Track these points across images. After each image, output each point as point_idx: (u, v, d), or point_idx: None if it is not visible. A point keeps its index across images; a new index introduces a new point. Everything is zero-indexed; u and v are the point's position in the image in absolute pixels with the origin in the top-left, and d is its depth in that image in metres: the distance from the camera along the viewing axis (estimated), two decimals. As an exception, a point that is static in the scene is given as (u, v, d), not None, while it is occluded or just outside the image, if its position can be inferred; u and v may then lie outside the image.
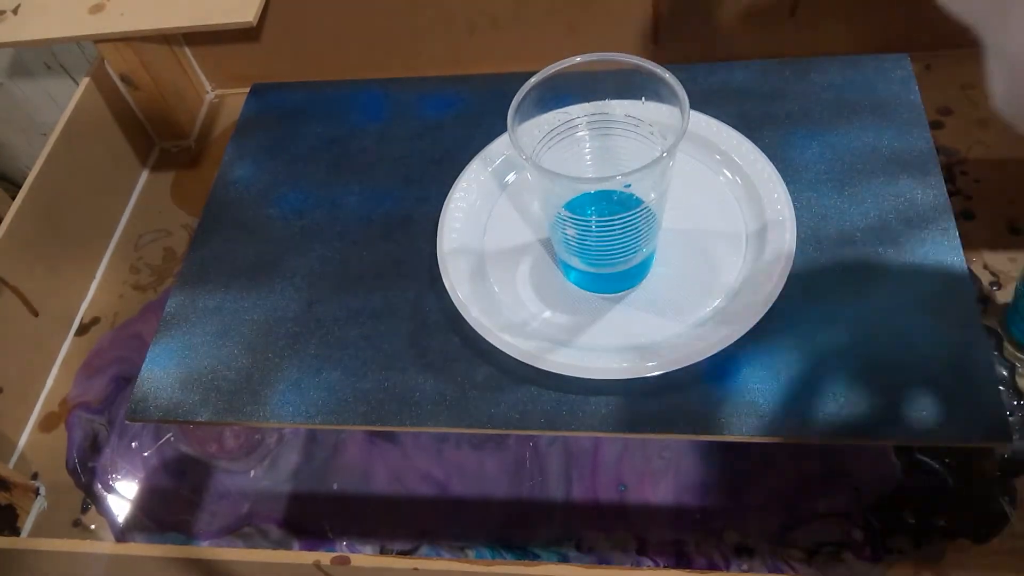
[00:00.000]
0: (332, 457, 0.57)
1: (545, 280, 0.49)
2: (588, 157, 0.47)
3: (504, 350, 0.44)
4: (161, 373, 0.48)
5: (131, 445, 0.59)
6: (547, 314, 0.47)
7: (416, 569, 0.45)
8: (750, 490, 0.51)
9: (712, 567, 0.49)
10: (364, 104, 0.60)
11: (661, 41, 0.69)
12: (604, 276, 0.47)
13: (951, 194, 0.56)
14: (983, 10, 0.22)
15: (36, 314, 0.63)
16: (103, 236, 0.71)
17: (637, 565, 0.50)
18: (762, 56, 0.57)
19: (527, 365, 0.44)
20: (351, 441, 0.57)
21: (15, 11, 0.68)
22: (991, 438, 0.40)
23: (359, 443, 0.57)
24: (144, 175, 0.75)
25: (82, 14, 0.66)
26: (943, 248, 0.46)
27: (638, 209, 0.42)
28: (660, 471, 0.52)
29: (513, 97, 0.42)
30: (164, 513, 0.56)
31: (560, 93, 0.43)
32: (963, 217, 0.58)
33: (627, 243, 0.43)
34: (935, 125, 0.63)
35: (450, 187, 0.52)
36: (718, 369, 0.43)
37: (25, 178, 0.63)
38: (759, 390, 0.43)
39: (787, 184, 0.48)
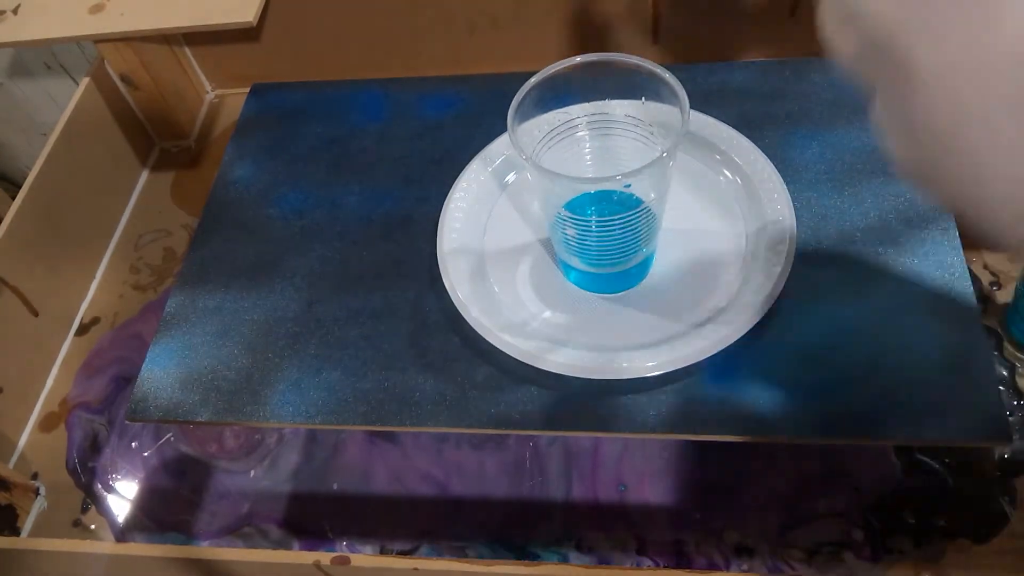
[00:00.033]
0: (332, 457, 0.57)
1: (545, 280, 0.49)
2: (588, 157, 0.47)
3: (504, 350, 0.44)
4: (161, 373, 0.48)
5: (131, 445, 0.59)
6: (547, 314, 0.47)
7: (416, 569, 0.45)
8: (750, 490, 0.51)
9: (712, 567, 0.49)
10: (364, 104, 0.60)
11: (661, 41, 0.69)
12: (604, 276, 0.47)
13: (951, 194, 0.56)
14: (894, 31, 0.21)
15: (36, 314, 0.63)
16: (103, 236, 0.71)
17: (637, 565, 0.50)
18: (762, 56, 0.57)
19: (527, 365, 0.44)
20: (351, 441, 0.57)
21: (15, 11, 0.68)
22: (991, 438, 0.40)
23: (359, 443, 0.57)
24: (144, 175, 0.75)
25: (82, 14, 0.66)
26: (943, 248, 0.46)
27: (638, 209, 0.42)
28: (660, 471, 0.52)
29: (513, 97, 0.42)
30: (164, 513, 0.56)
31: (560, 93, 0.43)
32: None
33: (627, 243, 0.43)
34: (935, 125, 0.63)
35: (450, 187, 0.52)
36: (718, 369, 0.43)
37: (25, 178, 0.63)
38: (759, 390, 0.43)
39: (787, 184, 0.48)
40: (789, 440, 0.41)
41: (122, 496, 0.57)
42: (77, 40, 0.66)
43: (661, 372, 0.42)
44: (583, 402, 0.44)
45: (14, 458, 0.60)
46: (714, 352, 0.43)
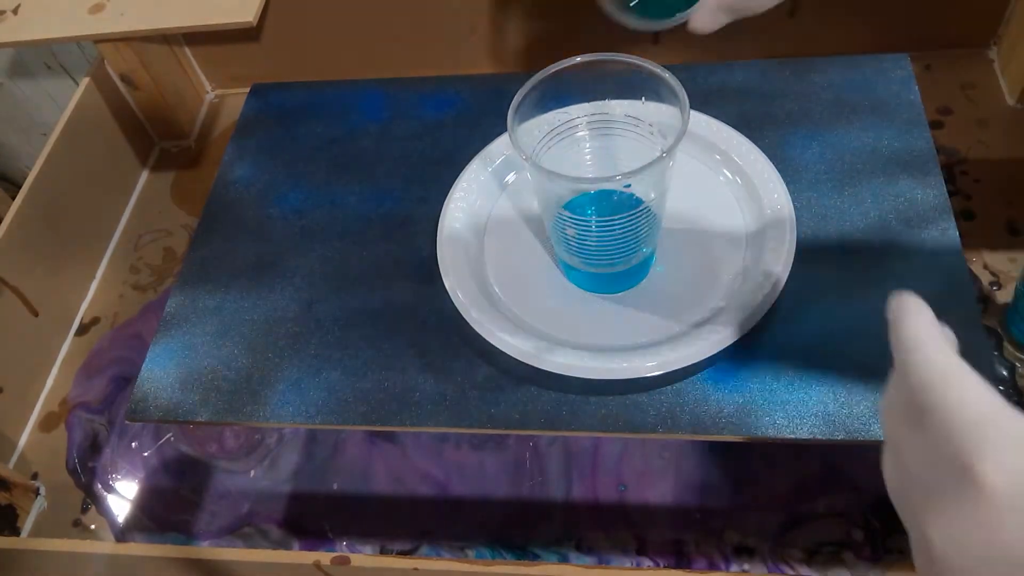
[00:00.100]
0: (332, 457, 0.57)
1: (545, 280, 0.49)
2: (588, 157, 0.47)
3: (504, 350, 0.44)
4: (161, 373, 0.48)
5: (131, 445, 0.59)
6: (547, 314, 0.47)
7: (416, 569, 0.45)
8: (750, 490, 0.51)
9: (712, 567, 0.49)
10: (364, 104, 0.60)
11: (661, 41, 0.69)
12: (604, 276, 0.47)
13: (951, 194, 0.56)
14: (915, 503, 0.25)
15: (36, 314, 0.63)
16: (103, 236, 0.71)
17: (637, 565, 0.50)
18: (762, 56, 0.57)
19: (527, 365, 0.44)
20: (351, 441, 0.57)
21: (15, 11, 0.68)
22: (991, 438, 0.40)
23: (359, 443, 0.57)
24: (144, 175, 0.75)
25: (82, 14, 0.66)
26: (943, 248, 0.46)
27: (638, 209, 0.42)
28: (660, 471, 0.52)
29: (513, 97, 0.42)
30: (164, 513, 0.56)
31: (560, 93, 0.43)
32: (963, 217, 0.58)
33: (627, 243, 0.43)
34: (935, 125, 0.63)
35: (450, 187, 0.52)
36: (718, 369, 0.43)
37: (25, 178, 0.63)
38: (759, 390, 0.43)
39: (787, 184, 0.48)
40: (789, 440, 0.41)
41: (122, 496, 0.57)
42: (77, 40, 0.66)
43: (661, 372, 0.42)
44: (583, 402, 0.43)
45: (14, 458, 0.60)
46: (714, 352, 0.43)
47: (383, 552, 0.52)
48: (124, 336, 0.65)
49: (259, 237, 0.54)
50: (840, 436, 0.41)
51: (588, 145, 0.47)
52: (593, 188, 0.45)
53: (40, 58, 0.87)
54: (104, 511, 0.57)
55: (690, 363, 0.42)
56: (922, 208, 0.48)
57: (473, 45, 0.71)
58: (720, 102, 0.54)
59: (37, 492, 0.58)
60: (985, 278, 0.55)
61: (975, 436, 0.22)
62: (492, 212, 0.52)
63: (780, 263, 0.45)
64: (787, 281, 0.44)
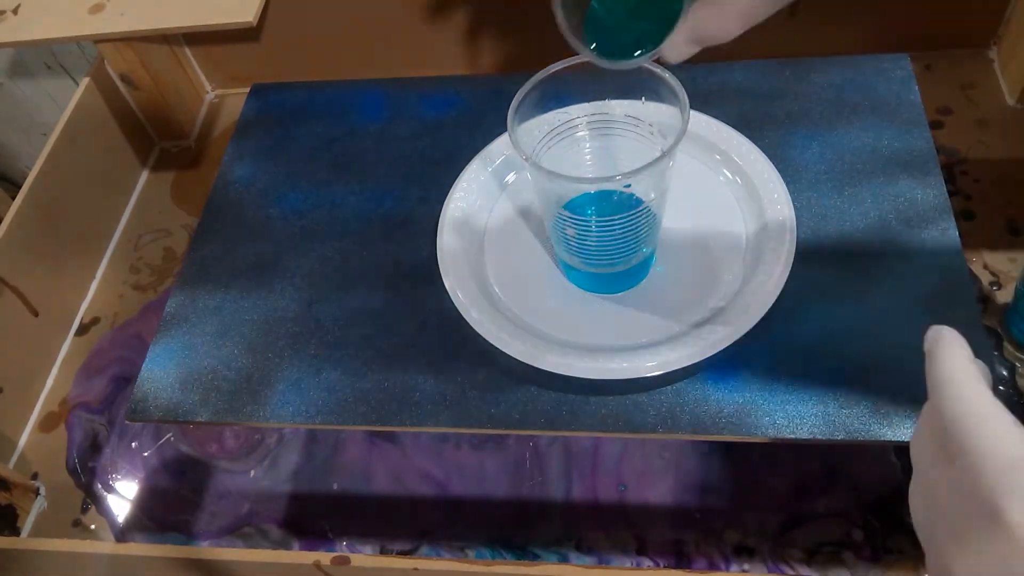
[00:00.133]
0: (332, 457, 0.57)
1: (545, 280, 0.49)
2: (588, 157, 0.47)
3: (504, 350, 0.44)
4: (161, 373, 0.48)
5: (131, 445, 0.59)
6: (547, 314, 0.47)
7: (416, 569, 0.45)
8: (750, 490, 0.51)
9: (712, 567, 0.49)
10: (364, 104, 0.60)
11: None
12: (604, 276, 0.47)
13: (951, 194, 0.56)
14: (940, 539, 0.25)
15: (36, 314, 0.63)
16: (103, 236, 0.71)
17: (637, 565, 0.50)
18: (762, 56, 0.57)
19: (527, 365, 0.44)
20: (351, 441, 0.57)
21: (15, 11, 0.68)
22: (991, 438, 0.40)
23: (359, 443, 0.57)
24: (144, 175, 0.75)
25: (82, 14, 0.66)
26: (943, 248, 0.46)
27: (638, 209, 0.42)
28: (660, 471, 0.52)
29: (513, 97, 0.42)
30: (164, 513, 0.56)
31: (560, 93, 0.43)
32: (963, 217, 0.58)
33: (627, 243, 0.43)
34: (935, 125, 0.63)
35: (450, 187, 0.52)
36: (718, 369, 0.43)
37: (25, 178, 0.63)
38: (759, 390, 0.43)
39: (787, 184, 0.48)
40: (789, 440, 0.41)
41: (122, 496, 0.57)
42: (77, 40, 0.66)
43: (661, 372, 0.42)
44: (583, 402, 0.44)
45: (14, 458, 0.60)
46: (714, 352, 0.43)
47: (383, 552, 0.52)
48: (124, 336, 0.65)
49: (259, 237, 0.54)
50: (840, 436, 0.41)
51: (588, 145, 0.47)
52: (593, 188, 0.45)
53: (40, 58, 0.87)
54: (104, 511, 0.57)
55: (690, 363, 0.42)
56: (922, 208, 0.48)
57: (473, 45, 0.71)
58: (720, 102, 0.54)
59: (37, 492, 0.58)
60: (985, 278, 0.55)
61: (1006, 479, 0.23)
62: (492, 212, 0.52)
63: (780, 263, 0.45)
64: (787, 281, 0.44)
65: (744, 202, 0.49)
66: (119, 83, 0.72)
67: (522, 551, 0.51)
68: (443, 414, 0.44)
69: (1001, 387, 0.50)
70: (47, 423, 0.62)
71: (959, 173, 0.60)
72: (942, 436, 0.25)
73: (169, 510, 0.56)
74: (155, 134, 0.76)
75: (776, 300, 0.44)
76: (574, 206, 0.43)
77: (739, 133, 0.51)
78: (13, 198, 0.63)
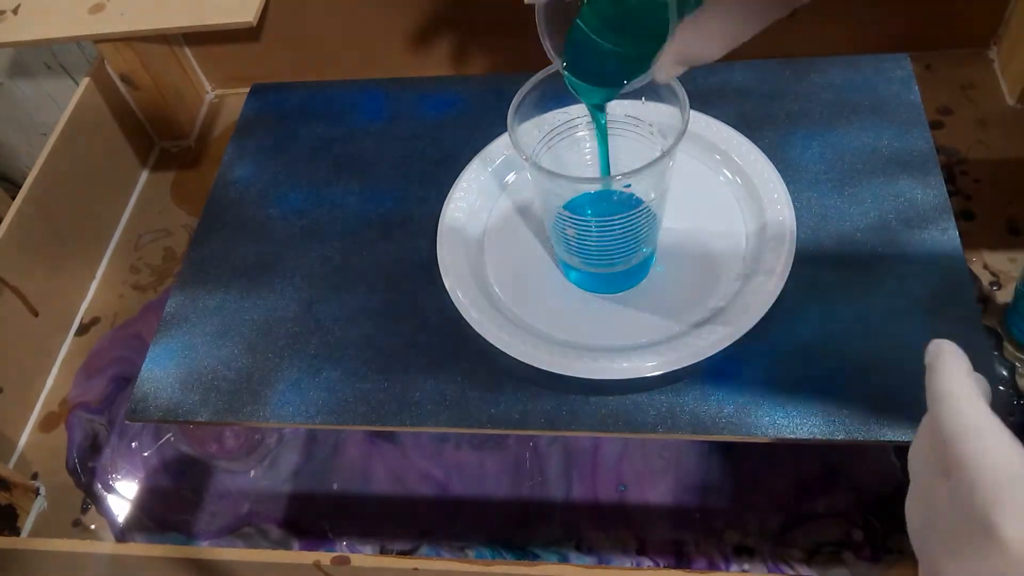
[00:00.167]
0: (332, 457, 0.57)
1: (545, 280, 0.49)
2: (588, 157, 0.47)
3: (504, 350, 0.44)
4: (161, 373, 0.48)
5: (131, 445, 0.59)
6: (547, 314, 0.47)
7: (416, 569, 0.45)
8: (750, 490, 0.51)
9: (712, 567, 0.49)
10: (364, 104, 0.60)
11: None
12: (604, 276, 0.47)
13: (951, 194, 0.56)
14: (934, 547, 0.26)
15: (36, 314, 0.63)
16: (103, 236, 0.71)
17: (637, 565, 0.50)
18: (762, 56, 0.57)
19: (527, 365, 0.44)
20: (351, 441, 0.57)
21: (15, 11, 0.68)
22: (991, 438, 0.40)
23: (359, 443, 0.57)
24: (144, 175, 0.75)
25: (82, 14, 0.66)
26: (943, 248, 0.46)
27: (638, 209, 0.42)
28: (660, 471, 0.52)
29: (513, 97, 0.42)
30: (164, 513, 0.56)
31: (560, 93, 0.43)
32: (963, 217, 0.58)
33: (627, 243, 0.43)
34: (935, 125, 0.63)
35: (450, 187, 0.52)
36: (718, 369, 0.43)
37: (25, 178, 0.63)
38: (759, 390, 0.43)
39: (787, 184, 0.48)
40: (789, 440, 0.41)
41: (122, 496, 0.57)
42: (77, 40, 0.66)
43: (661, 372, 0.42)
44: (583, 402, 0.44)
45: (14, 458, 0.60)
46: (714, 352, 0.43)
47: (383, 552, 0.52)
48: (124, 336, 0.65)
49: (259, 237, 0.54)
50: (840, 436, 0.41)
51: (588, 145, 0.47)
52: (593, 188, 0.45)
53: (40, 58, 0.86)
54: (104, 511, 0.57)
55: (690, 363, 0.42)
56: (922, 208, 0.48)
57: (473, 45, 0.71)
58: (720, 102, 0.54)
59: (37, 492, 0.58)
60: (985, 278, 0.55)
61: (1000, 494, 0.23)
62: (492, 212, 0.52)
63: (780, 263, 0.45)
64: (787, 281, 0.44)
65: (744, 202, 0.49)
66: (119, 83, 0.72)
67: (522, 551, 0.51)
68: (443, 414, 0.44)
69: (1001, 387, 0.50)
70: (47, 423, 0.62)
71: (959, 173, 0.60)
72: (940, 448, 0.26)
73: (169, 510, 0.56)
74: (155, 134, 0.76)
75: (776, 300, 0.44)
76: (574, 206, 0.43)
77: (739, 133, 0.51)
78: (13, 198, 0.63)
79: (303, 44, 0.73)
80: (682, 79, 0.40)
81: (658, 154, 0.39)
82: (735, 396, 0.43)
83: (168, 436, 0.59)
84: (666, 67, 0.34)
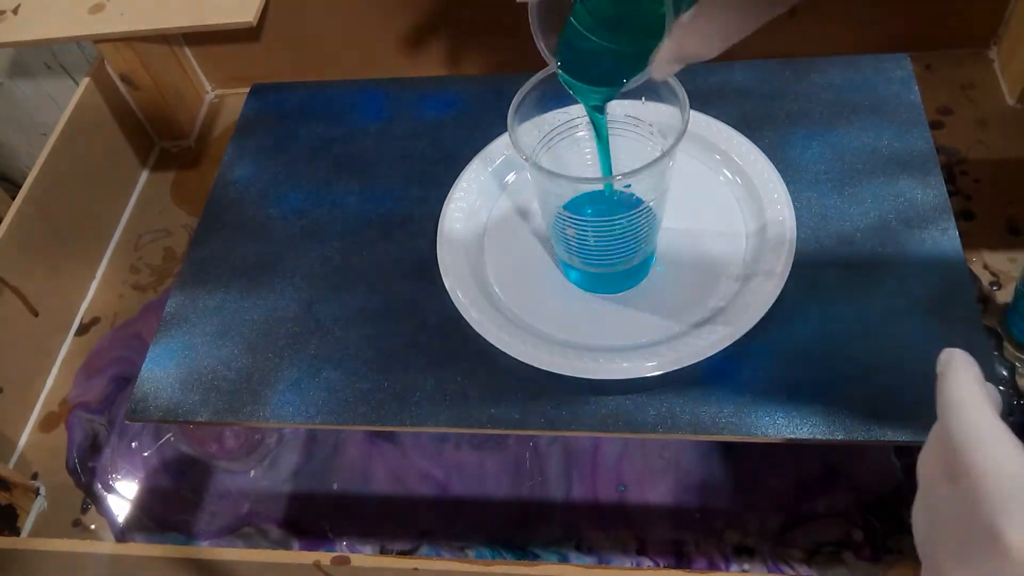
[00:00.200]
0: (332, 457, 0.57)
1: (545, 280, 0.49)
2: (588, 157, 0.47)
3: (504, 350, 0.44)
4: (161, 373, 0.48)
5: (131, 445, 0.59)
6: (547, 314, 0.47)
7: (416, 569, 0.45)
8: (750, 490, 0.51)
9: (712, 567, 0.49)
10: (364, 104, 0.60)
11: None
12: (604, 276, 0.47)
13: (951, 194, 0.56)
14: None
15: (36, 314, 0.63)
16: (103, 236, 0.71)
17: (637, 565, 0.50)
18: (762, 56, 0.57)
19: (527, 365, 0.44)
20: (351, 441, 0.57)
21: (15, 11, 0.68)
22: (991, 438, 0.40)
23: (359, 443, 0.57)
24: (144, 175, 0.76)
25: (82, 14, 0.66)
26: (943, 248, 0.46)
27: (638, 209, 0.42)
28: (660, 471, 0.52)
29: (513, 97, 0.42)
30: (164, 513, 0.56)
31: (560, 93, 0.43)
32: (963, 217, 0.58)
33: (627, 243, 0.43)
34: (935, 125, 0.63)
35: (450, 187, 0.52)
36: (718, 369, 0.43)
37: (25, 178, 0.63)
38: (759, 390, 0.43)
39: (787, 184, 0.48)
40: (789, 440, 0.41)
41: (122, 496, 0.57)
42: (77, 40, 0.66)
43: (661, 372, 0.42)
44: (583, 402, 0.44)
45: (14, 458, 0.60)
46: (714, 352, 0.43)
47: (383, 552, 0.52)
48: (124, 336, 0.65)
49: (259, 237, 0.54)
50: (840, 436, 0.41)
51: (588, 145, 0.47)
52: (593, 188, 0.45)
53: (40, 58, 0.87)
54: (104, 511, 0.57)
55: (690, 363, 0.42)
56: (922, 208, 0.48)
57: (473, 45, 0.71)
58: (720, 102, 0.54)
59: (37, 492, 0.58)
60: (985, 278, 0.55)
61: (1008, 502, 0.23)
62: (492, 212, 0.52)
63: (780, 263, 0.45)
64: (787, 281, 0.44)
65: (744, 202, 0.49)
66: (119, 83, 0.72)
67: (522, 551, 0.51)
68: (443, 414, 0.44)
69: (1001, 387, 0.50)
70: (47, 423, 0.62)
71: (959, 173, 0.60)
72: (948, 456, 0.26)
73: (169, 510, 0.56)
74: (155, 134, 0.76)
75: (776, 300, 0.44)
76: (574, 206, 0.43)
77: (739, 133, 0.51)
78: (13, 198, 0.63)
79: (303, 44, 0.73)
80: (682, 79, 0.40)
81: (658, 154, 0.39)
82: (735, 396, 0.43)
83: (168, 436, 0.59)
84: (663, 65, 0.34)
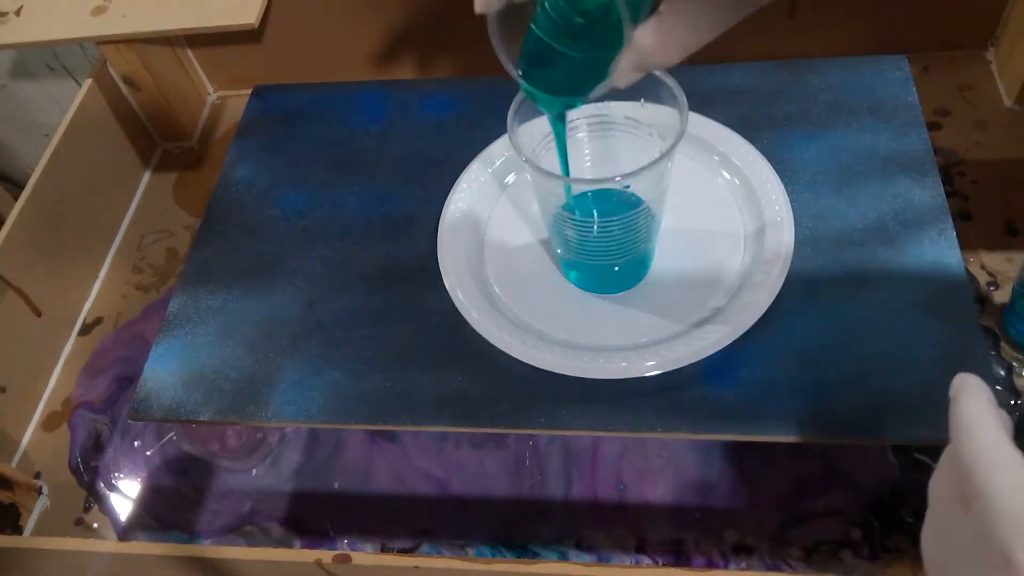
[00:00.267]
0: (333, 456, 0.57)
1: (545, 280, 0.49)
2: (588, 158, 0.48)
3: (504, 350, 0.45)
4: (164, 373, 0.48)
5: (133, 444, 0.60)
6: (547, 314, 0.47)
7: (417, 567, 0.45)
8: (749, 489, 0.51)
9: (711, 565, 0.49)
10: (365, 105, 0.60)
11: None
12: (604, 276, 0.47)
13: (948, 195, 0.56)
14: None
15: (39, 314, 0.64)
16: (106, 237, 0.71)
17: (636, 563, 0.50)
18: (761, 58, 0.57)
19: (527, 365, 0.44)
20: (352, 440, 0.57)
21: (17, 12, 0.68)
22: (987, 437, 0.41)
23: (360, 442, 0.57)
24: (146, 176, 0.76)
25: (84, 15, 0.66)
26: (941, 249, 0.46)
27: (638, 209, 0.42)
28: (659, 470, 0.53)
29: (513, 99, 0.42)
30: (166, 512, 0.57)
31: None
32: (960, 218, 0.58)
33: (627, 243, 0.44)
34: (933, 126, 0.63)
35: (450, 188, 0.52)
36: (717, 369, 0.44)
37: (28, 179, 0.64)
38: (757, 390, 0.43)
39: (785, 185, 0.49)
40: (788, 440, 0.42)
41: (124, 495, 0.58)
42: (79, 41, 0.67)
43: (661, 372, 0.43)
44: (583, 402, 0.44)
45: (17, 457, 0.61)
46: (713, 352, 0.43)
47: (384, 550, 0.53)
48: (127, 336, 0.66)
49: (261, 237, 0.54)
50: (840, 436, 0.41)
51: (588, 146, 0.47)
52: (593, 188, 0.45)
53: (42, 59, 0.87)
54: (106, 510, 0.57)
55: (690, 363, 0.43)
56: (920, 209, 0.48)
57: (474, 46, 0.71)
58: (719, 103, 0.54)
59: (40, 491, 0.59)
60: (982, 278, 0.56)
61: (1021, 526, 0.23)
62: (492, 212, 0.52)
63: (778, 264, 0.45)
64: (785, 281, 0.45)
65: (743, 203, 0.50)
66: (121, 84, 0.72)
67: (522, 549, 0.51)
68: (443, 413, 0.45)
69: (999, 387, 0.50)
70: (50, 422, 0.62)
71: (957, 174, 0.61)
72: (961, 480, 0.26)
73: (171, 509, 0.57)
74: (157, 135, 0.77)
75: (774, 300, 0.44)
76: (574, 206, 0.43)
77: (737, 134, 0.51)
78: (16, 199, 0.64)
79: (305, 46, 0.73)
80: (681, 81, 0.40)
81: (657, 155, 0.39)
82: (735, 396, 0.43)
83: (170, 435, 0.60)
84: (623, 73, 0.33)
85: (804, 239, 0.47)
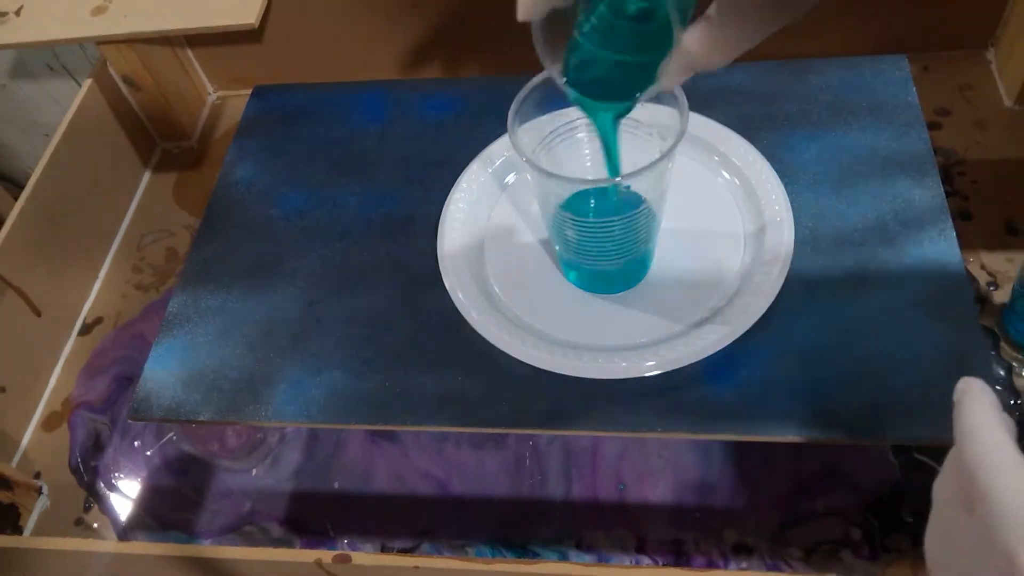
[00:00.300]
0: (333, 456, 0.57)
1: (545, 280, 0.49)
2: (588, 158, 0.48)
3: (504, 350, 0.45)
4: (163, 372, 0.48)
5: (133, 444, 0.60)
6: (547, 314, 0.47)
7: (417, 567, 0.45)
8: (749, 489, 0.51)
9: (711, 565, 0.49)
10: (365, 105, 0.60)
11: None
12: (604, 276, 0.47)
13: (948, 195, 0.56)
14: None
15: (39, 314, 0.64)
16: (106, 236, 0.71)
17: (636, 563, 0.50)
18: (760, 58, 0.57)
19: (527, 365, 0.44)
20: (352, 440, 0.57)
21: (17, 12, 0.68)
22: (988, 437, 0.41)
23: (360, 442, 0.57)
24: (146, 176, 0.76)
25: (84, 15, 0.66)
26: (940, 249, 0.46)
27: (638, 209, 0.42)
28: (659, 470, 0.53)
29: (513, 98, 0.42)
30: (166, 512, 0.57)
31: (560, 95, 0.43)
32: (960, 218, 0.58)
33: (627, 243, 0.44)
34: (933, 126, 0.63)
35: (450, 188, 0.52)
36: (717, 369, 0.44)
37: (28, 179, 0.64)
38: (757, 390, 0.43)
39: (785, 185, 0.49)
40: (788, 440, 0.42)
41: (124, 495, 0.58)
42: (79, 41, 0.67)
43: (661, 372, 0.43)
44: (583, 402, 0.44)
45: (17, 457, 0.61)
46: (713, 352, 0.43)
47: (384, 550, 0.53)
48: (127, 336, 0.66)
49: (261, 237, 0.54)
50: (839, 436, 0.41)
51: (587, 146, 0.47)
52: (593, 188, 0.45)
53: (42, 59, 0.87)
54: (106, 510, 0.57)
55: (690, 363, 0.43)
56: (920, 209, 0.48)
57: (474, 46, 0.71)
58: (719, 103, 0.54)
59: (40, 491, 0.59)
60: (982, 278, 0.56)
61: (1023, 530, 0.23)
62: (492, 213, 0.52)
63: (778, 264, 0.45)
64: (785, 281, 0.45)
65: (743, 203, 0.50)
66: (121, 84, 0.72)
67: (522, 549, 0.51)
68: (443, 413, 0.45)
69: (998, 387, 0.50)
70: (50, 422, 0.62)
71: (957, 174, 0.61)
72: (965, 484, 0.26)
73: (171, 509, 0.57)
74: (157, 135, 0.77)
75: (774, 300, 0.44)
76: (574, 206, 0.43)
77: (737, 134, 0.51)
78: (16, 199, 0.64)
79: (304, 46, 0.73)
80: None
81: (657, 155, 0.39)
82: (735, 396, 0.43)
83: (170, 435, 0.60)
84: (672, 76, 0.33)
85: (804, 239, 0.47)
